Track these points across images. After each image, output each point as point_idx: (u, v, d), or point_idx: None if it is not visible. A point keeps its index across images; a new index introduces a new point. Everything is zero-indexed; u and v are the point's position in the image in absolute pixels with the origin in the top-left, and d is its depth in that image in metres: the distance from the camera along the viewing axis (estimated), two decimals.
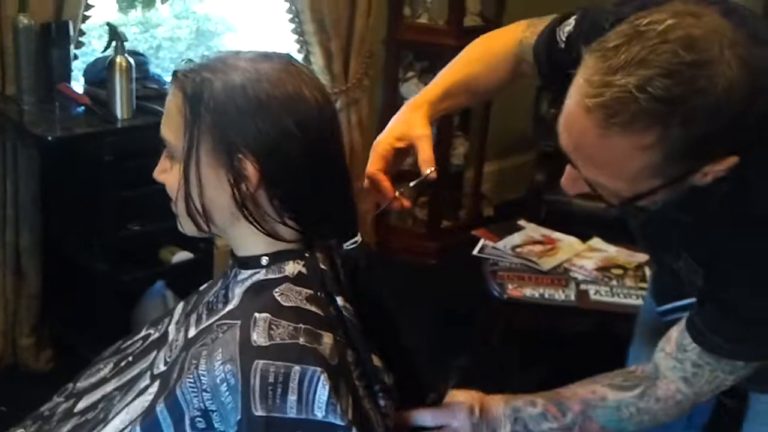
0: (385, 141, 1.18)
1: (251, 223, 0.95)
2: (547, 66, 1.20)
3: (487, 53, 1.30)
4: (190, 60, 0.98)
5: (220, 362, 0.89)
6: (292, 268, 0.98)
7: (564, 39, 1.15)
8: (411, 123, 1.20)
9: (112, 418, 0.98)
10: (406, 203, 1.16)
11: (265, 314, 0.92)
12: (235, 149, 0.93)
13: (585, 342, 2.44)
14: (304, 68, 0.99)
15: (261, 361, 0.88)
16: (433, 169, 1.15)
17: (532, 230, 2.60)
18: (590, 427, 1.11)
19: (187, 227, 1.00)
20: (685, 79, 0.83)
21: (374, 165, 1.16)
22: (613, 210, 1.02)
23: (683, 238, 1.10)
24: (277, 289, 0.95)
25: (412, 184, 1.15)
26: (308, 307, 0.95)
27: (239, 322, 0.92)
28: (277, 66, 0.95)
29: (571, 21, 1.15)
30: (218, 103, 0.92)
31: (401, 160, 1.21)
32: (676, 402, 1.10)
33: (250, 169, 0.93)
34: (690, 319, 1.08)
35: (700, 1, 0.90)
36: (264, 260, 0.99)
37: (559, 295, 2.27)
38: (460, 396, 1.14)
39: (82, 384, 1.16)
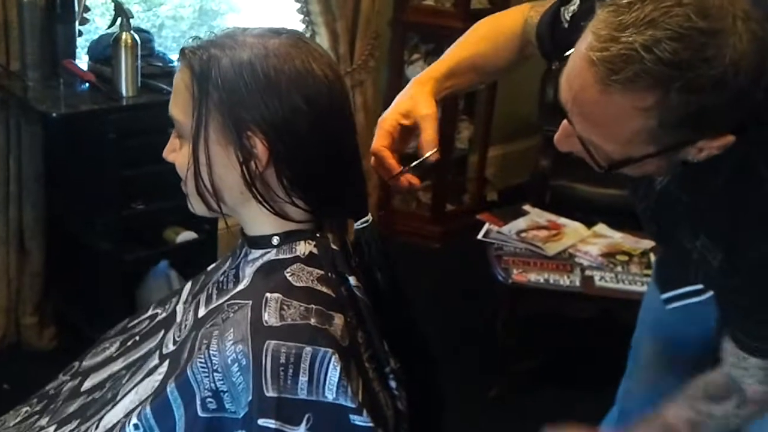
0: (391, 117, 1.16)
1: (260, 202, 0.94)
2: (550, 45, 1.19)
3: (494, 32, 1.29)
4: (198, 37, 0.96)
5: (231, 342, 0.88)
6: (303, 248, 0.97)
7: (568, 18, 1.14)
8: (416, 100, 1.18)
9: (121, 398, 0.97)
10: (415, 180, 1.13)
11: (276, 294, 0.91)
12: (244, 126, 0.91)
13: (589, 328, 2.44)
14: (315, 44, 0.97)
15: (272, 342, 0.87)
16: (434, 151, 1.13)
17: (537, 215, 2.59)
18: None
19: (197, 207, 0.99)
20: (694, 45, 0.81)
21: (380, 141, 1.14)
22: (610, 173, 0.97)
23: (694, 219, 1.08)
24: (288, 270, 0.94)
25: (412, 164, 1.12)
26: (319, 287, 0.94)
27: (250, 301, 0.91)
28: (285, 42, 0.93)
29: (576, 0, 1.14)
30: (226, 80, 0.91)
31: (408, 138, 1.18)
32: None
33: (260, 147, 0.91)
34: (731, 331, 1.07)
35: None
36: (275, 240, 0.98)
37: (564, 280, 2.27)
38: None
39: (88, 363, 1.16)
